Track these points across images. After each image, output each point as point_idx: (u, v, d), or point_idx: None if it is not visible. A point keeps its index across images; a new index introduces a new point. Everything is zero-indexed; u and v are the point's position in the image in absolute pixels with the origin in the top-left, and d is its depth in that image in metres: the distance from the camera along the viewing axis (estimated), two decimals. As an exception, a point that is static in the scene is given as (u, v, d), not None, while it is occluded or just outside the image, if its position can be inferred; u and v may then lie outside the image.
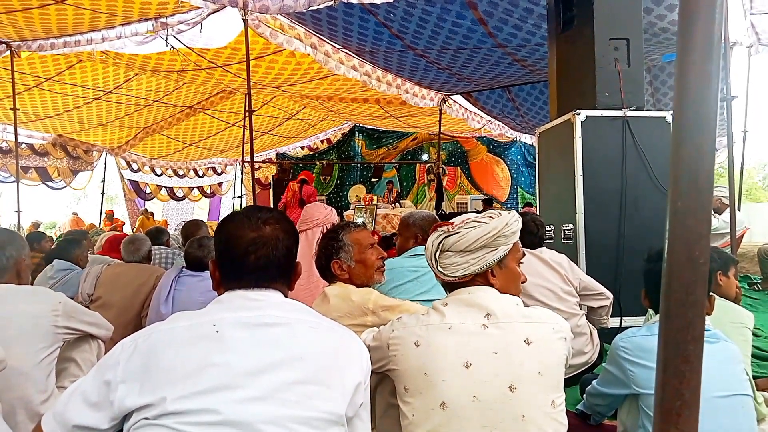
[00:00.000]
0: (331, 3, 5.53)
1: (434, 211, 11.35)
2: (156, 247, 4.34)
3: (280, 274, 1.33)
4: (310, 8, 5.69)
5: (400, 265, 2.70)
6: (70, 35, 6.88)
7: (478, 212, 1.80)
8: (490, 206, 10.51)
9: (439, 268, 1.59)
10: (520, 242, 1.64)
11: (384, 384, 1.67)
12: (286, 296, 1.33)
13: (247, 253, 1.28)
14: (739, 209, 5.93)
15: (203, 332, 1.19)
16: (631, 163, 3.82)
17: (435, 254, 1.59)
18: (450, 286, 1.61)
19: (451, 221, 1.59)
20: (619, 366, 1.86)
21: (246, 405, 1.11)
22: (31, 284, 2.48)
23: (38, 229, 8.97)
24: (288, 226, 1.37)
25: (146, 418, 1.11)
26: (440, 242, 1.57)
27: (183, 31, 6.81)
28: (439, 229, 1.61)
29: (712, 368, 1.66)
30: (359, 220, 9.98)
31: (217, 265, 1.33)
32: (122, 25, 6.69)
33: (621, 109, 3.87)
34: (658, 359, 0.87)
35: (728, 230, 4.89)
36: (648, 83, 7.49)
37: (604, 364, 2.02)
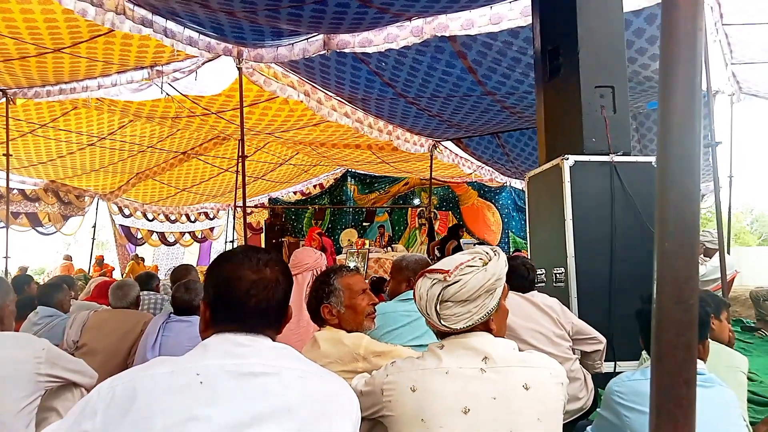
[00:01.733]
0: (323, 52, 5.67)
1: (427, 255, 11.33)
2: (145, 292, 4.28)
3: (275, 320, 1.30)
4: (304, 57, 5.83)
5: (393, 309, 2.67)
6: (65, 82, 6.98)
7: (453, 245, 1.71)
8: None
9: (441, 321, 1.50)
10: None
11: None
12: (274, 340, 1.29)
13: (248, 296, 1.24)
14: (728, 253, 5.96)
15: (186, 381, 1.13)
16: (620, 206, 3.85)
17: (435, 306, 1.49)
18: (444, 334, 1.55)
19: (444, 269, 1.51)
20: (614, 411, 1.82)
21: None
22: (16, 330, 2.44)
23: (26, 274, 8.84)
24: (285, 268, 1.34)
25: None
26: (439, 293, 1.48)
27: (178, 79, 6.93)
28: (429, 276, 1.52)
29: (709, 414, 1.63)
30: (351, 265, 9.93)
31: (210, 305, 1.28)
32: (118, 72, 6.81)
33: (608, 155, 3.93)
34: (651, 403, 0.86)
35: (717, 276, 4.91)
36: (634, 130, 7.64)
37: (598, 410, 1.99)
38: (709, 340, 2.11)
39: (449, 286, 1.48)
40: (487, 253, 1.53)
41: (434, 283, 1.50)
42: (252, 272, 1.26)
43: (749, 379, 2.89)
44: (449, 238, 10.19)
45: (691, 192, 0.87)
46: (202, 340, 1.26)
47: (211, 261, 1.37)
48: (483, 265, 1.49)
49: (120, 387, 1.14)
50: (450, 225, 11.01)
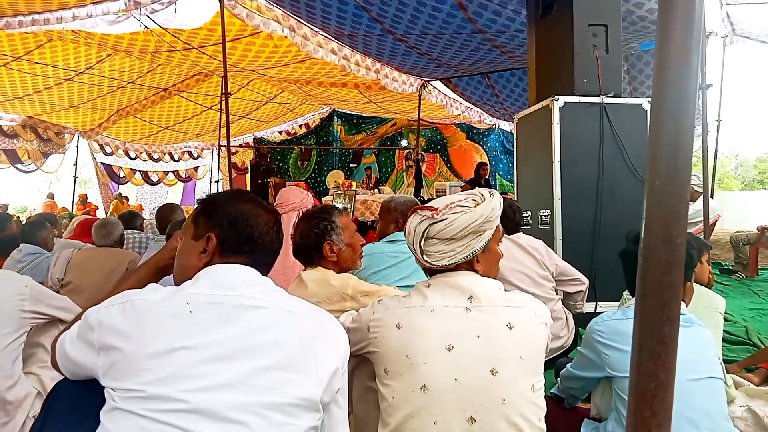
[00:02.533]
0: (309, -16, 5.44)
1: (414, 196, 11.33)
2: (129, 231, 4.26)
3: (275, 259, 1.38)
4: (288, -11, 5.60)
5: (380, 250, 2.69)
6: (38, 13, 6.66)
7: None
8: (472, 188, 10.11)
9: (424, 256, 1.53)
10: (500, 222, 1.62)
11: (362, 367, 1.65)
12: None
13: (265, 233, 1.33)
14: (712, 197, 6.04)
15: (176, 310, 1.15)
16: (608, 149, 3.85)
17: (420, 242, 1.52)
18: (432, 271, 1.57)
19: (433, 206, 1.52)
20: (594, 349, 1.87)
21: (214, 392, 1.08)
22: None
23: (6, 212, 8.73)
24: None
25: (113, 400, 1.10)
26: (425, 229, 1.50)
27: (157, 11, 6.63)
28: (420, 212, 1.54)
29: (686, 352, 1.67)
30: (339, 206, 9.94)
31: (221, 238, 1.31)
32: (93, 3, 6.49)
33: (599, 96, 3.89)
34: (634, 340, 0.87)
35: (701, 218, 4.99)
36: (625, 71, 7.54)
37: (578, 348, 2.04)
38: (692, 283, 2.15)
39: (435, 223, 1.49)
40: (482, 195, 1.53)
41: (422, 220, 1.52)
42: (266, 213, 1.36)
43: (725, 319, 2.97)
44: (473, 181, 9.60)
45: (684, 129, 0.84)
46: (196, 271, 1.28)
47: (210, 197, 1.42)
48: (474, 206, 1.49)
49: (116, 308, 1.18)
50: (477, 163, 10.31)
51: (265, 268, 1.33)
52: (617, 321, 1.85)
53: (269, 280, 1.30)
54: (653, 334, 0.84)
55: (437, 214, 1.49)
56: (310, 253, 2.07)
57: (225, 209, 1.34)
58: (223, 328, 1.14)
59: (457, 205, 1.50)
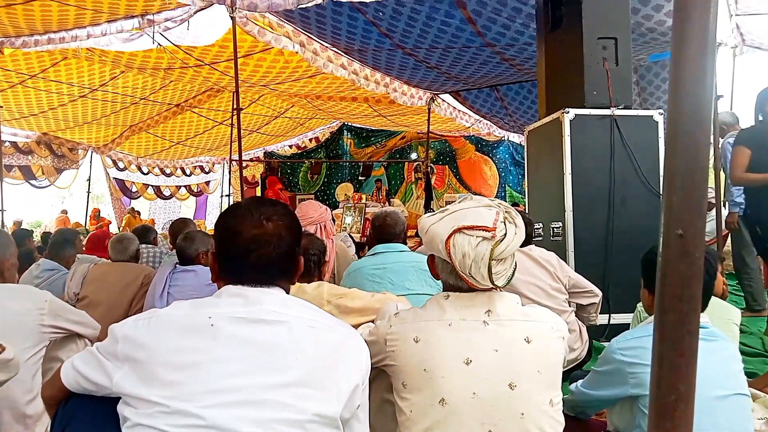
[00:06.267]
0: (319, 1, 5.51)
1: (423, 210, 11.36)
2: (144, 245, 4.29)
3: (280, 273, 1.28)
4: (299, 6, 5.66)
5: (362, 265, 2.80)
6: (54, 32, 6.78)
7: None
8: None
9: (494, 279, 1.45)
10: None
11: (379, 379, 1.65)
12: (287, 292, 1.30)
13: (248, 252, 1.23)
14: (724, 207, 5.99)
15: (198, 325, 1.16)
16: (619, 161, 3.85)
17: (489, 264, 1.42)
18: (452, 287, 1.54)
19: (487, 226, 1.43)
20: (617, 368, 1.79)
21: (232, 408, 1.09)
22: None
23: (23, 228, 8.82)
24: (291, 222, 1.31)
25: (137, 416, 1.10)
26: (490, 250, 1.42)
27: (170, 29, 6.74)
28: (467, 233, 1.43)
29: (712, 367, 1.63)
30: (348, 219, 9.97)
31: (217, 258, 1.29)
32: (108, 22, 6.61)
33: (609, 108, 3.90)
34: (654, 353, 0.87)
35: (712, 229, 4.97)
36: (635, 83, 7.54)
37: (594, 368, 1.97)
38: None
39: (499, 243, 1.43)
40: (500, 204, 1.51)
41: (480, 241, 1.43)
42: (253, 227, 1.24)
43: (740, 331, 2.94)
44: None
45: (701, 144, 0.86)
46: (218, 287, 1.29)
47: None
48: (510, 222, 1.47)
49: (142, 322, 1.20)
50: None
51: (278, 282, 1.28)
52: (641, 338, 1.77)
53: (289, 297, 1.28)
54: (673, 347, 0.85)
55: (496, 234, 1.42)
56: (312, 268, 2.18)
57: (216, 229, 1.30)
58: (244, 343, 1.14)
59: (500, 222, 1.45)
